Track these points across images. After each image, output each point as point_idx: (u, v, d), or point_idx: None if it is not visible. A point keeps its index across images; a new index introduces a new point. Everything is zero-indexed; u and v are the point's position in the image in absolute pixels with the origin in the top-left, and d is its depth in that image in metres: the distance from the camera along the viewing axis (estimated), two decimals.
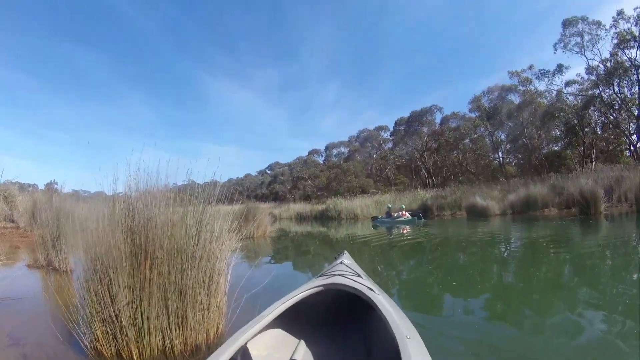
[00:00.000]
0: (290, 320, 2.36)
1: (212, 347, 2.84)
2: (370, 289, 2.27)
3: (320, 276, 2.74)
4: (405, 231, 14.53)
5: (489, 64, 73.22)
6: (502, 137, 36.86)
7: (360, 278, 2.57)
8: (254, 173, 79.30)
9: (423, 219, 18.56)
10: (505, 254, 7.94)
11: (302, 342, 2.27)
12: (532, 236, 10.02)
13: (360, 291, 2.26)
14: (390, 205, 21.97)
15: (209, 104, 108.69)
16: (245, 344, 1.81)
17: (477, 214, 18.47)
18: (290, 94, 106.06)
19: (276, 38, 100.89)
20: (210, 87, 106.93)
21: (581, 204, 12.88)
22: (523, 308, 3.95)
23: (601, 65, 26.72)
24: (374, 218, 22.23)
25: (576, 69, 33.45)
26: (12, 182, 16.00)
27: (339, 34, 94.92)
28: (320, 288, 2.40)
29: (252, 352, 1.95)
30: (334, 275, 2.60)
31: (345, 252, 3.81)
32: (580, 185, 13.58)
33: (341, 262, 3.18)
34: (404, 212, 19.01)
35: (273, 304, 2.18)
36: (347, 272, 2.69)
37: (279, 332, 2.32)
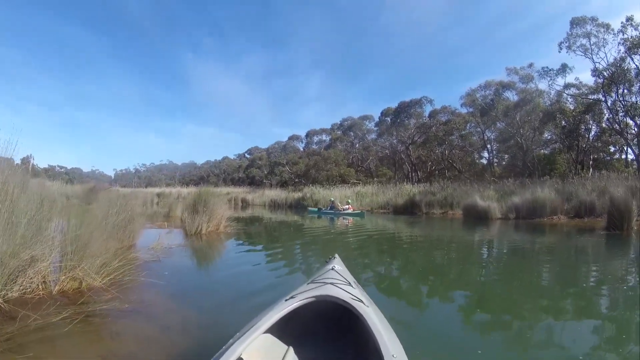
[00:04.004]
0: (280, 327, 2.26)
1: None
2: (361, 301, 2.27)
3: (311, 282, 2.68)
4: (350, 222, 16.45)
5: (482, 67, 72.63)
6: (492, 136, 35.30)
7: (350, 287, 2.57)
8: (232, 156, 76.34)
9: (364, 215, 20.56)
10: None
11: (291, 349, 2.31)
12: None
13: (350, 305, 2.22)
14: (333, 199, 24.70)
15: (191, 84, 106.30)
16: (241, 354, 1.76)
17: (476, 216, 16.50)
18: (274, 82, 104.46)
19: (266, 26, 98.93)
20: (195, 68, 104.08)
21: (613, 216, 10.73)
22: None
23: (611, 69, 25.00)
24: (319, 209, 24.36)
25: (577, 72, 31.80)
26: None
27: (330, 27, 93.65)
28: (312, 299, 2.32)
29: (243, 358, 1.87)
30: (325, 283, 2.53)
31: (336, 256, 3.63)
32: (611, 194, 11.48)
33: (332, 268, 3.04)
34: (350, 207, 22.33)
35: (265, 312, 2.19)
36: (338, 281, 2.62)
37: (268, 338, 2.26)
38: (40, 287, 4.08)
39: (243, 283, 5.38)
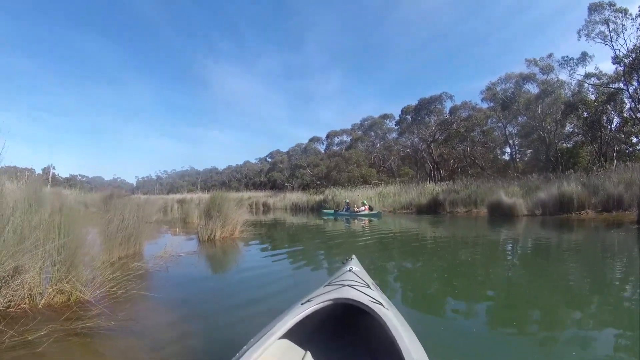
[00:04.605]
0: (296, 331, 2.15)
1: None
2: (380, 303, 2.20)
3: (328, 285, 2.61)
4: (366, 223, 16.61)
5: (498, 62, 71.80)
6: (514, 130, 34.87)
7: (369, 289, 2.51)
8: (253, 160, 77.26)
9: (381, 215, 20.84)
10: None
11: (309, 354, 2.26)
12: None
13: (370, 307, 2.13)
14: (347, 200, 25.14)
15: (209, 89, 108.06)
16: None
17: (502, 213, 16.39)
18: (292, 83, 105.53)
19: (281, 26, 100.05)
20: (212, 72, 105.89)
21: None
22: None
23: (631, 55, 24.32)
24: (335, 211, 24.57)
25: (596, 61, 31.10)
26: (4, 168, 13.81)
27: (345, 25, 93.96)
28: (330, 302, 2.25)
29: None
30: (343, 286, 2.46)
31: (354, 257, 3.56)
32: None
33: (349, 270, 3.00)
34: (365, 207, 22.11)
35: (280, 317, 2.12)
36: (356, 283, 2.56)
37: (284, 343, 2.18)
38: (26, 299, 3.76)
39: (254, 291, 4.96)
